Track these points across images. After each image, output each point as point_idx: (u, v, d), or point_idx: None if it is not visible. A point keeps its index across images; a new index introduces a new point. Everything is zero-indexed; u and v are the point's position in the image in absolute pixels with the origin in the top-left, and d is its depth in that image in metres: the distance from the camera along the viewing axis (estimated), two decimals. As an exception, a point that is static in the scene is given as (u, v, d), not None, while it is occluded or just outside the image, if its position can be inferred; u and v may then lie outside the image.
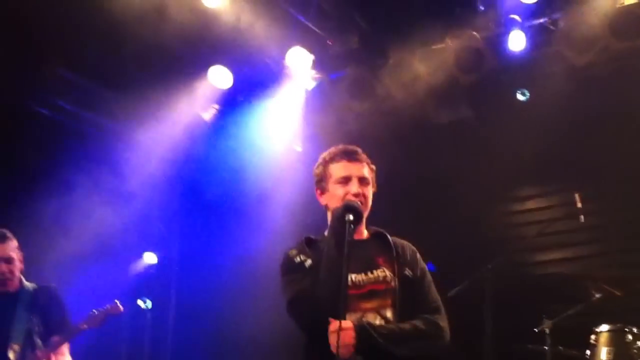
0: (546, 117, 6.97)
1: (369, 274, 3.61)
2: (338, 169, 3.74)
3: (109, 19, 6.45)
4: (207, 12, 6.94)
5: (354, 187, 3.68)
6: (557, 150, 7.39)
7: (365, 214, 3.70)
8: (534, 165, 7.54)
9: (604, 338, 5.81)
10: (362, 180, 3.73)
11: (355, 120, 7.76)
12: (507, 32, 6.93)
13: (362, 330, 3.38)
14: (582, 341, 5.94)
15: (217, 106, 8.18)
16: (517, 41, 6.89)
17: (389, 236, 3.78)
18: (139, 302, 8.66)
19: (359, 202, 3.60)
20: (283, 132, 8.12)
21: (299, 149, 8.24)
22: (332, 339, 3.28)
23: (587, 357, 5.86)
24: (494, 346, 5.69)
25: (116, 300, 5.91)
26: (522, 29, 6.88)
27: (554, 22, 6.83)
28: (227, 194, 8.46)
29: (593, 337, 5.87)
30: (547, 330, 6.15)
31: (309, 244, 3.72)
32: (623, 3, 6.51)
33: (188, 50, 7.31)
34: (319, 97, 7.94)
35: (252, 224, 8.21)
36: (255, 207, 8.22)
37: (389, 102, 7.53)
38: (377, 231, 3.83)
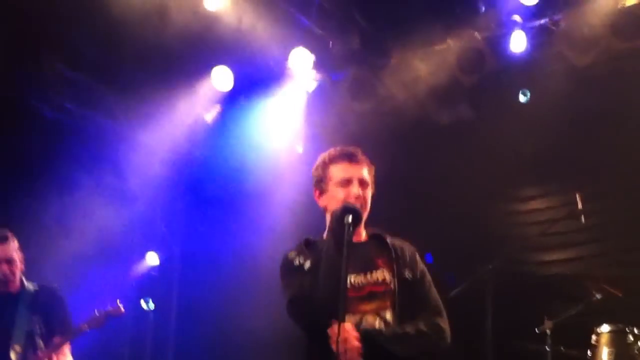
0: (547, 118, 6.98)
1: (368, 275, 3.61)
2: (338, 171, 3.73)
3: (111, 19, 6.47)
4: (208, 13, 6.95)
5: (354, 189, 3.67)
6: (558, 150, 7.39)
7: (365, 216, 3.69)
8: (534, 165, 7.54)
9: (605, 339, 5.83)
10: (362, 183, 3.73)
11: (357, 121, 7.75)
12: (508, 33, 6.94)
13: (368, 336, 3.40)
14: (583, 341, 5.96)
15: (218, 107, 8.19)
16: (518, 42, 6.89)
17: (387, 238, 3.77)
18: (142, 302, 8.67)
19: (358, 205, 3.59)
20: (284, 132, 8.13)
21: (301, 149, 8.24)
22: (339, 346, 3.28)
23: (588, 357, 5.88)
24: (495, 346, 5.68)
25: (118, 301, 5.93)
26: (523, 29, 6.89)
27: (555, 23, 6.83)
28: (229, 195, 8.48)
29: (594, 337, 5.89)
30: (548, 331, 6.15)
31: (308, 246, 3.72)
32: (624, 4, 6.51)
33: (190, 51, 7.31)
34: (320, 98, 7.95)
35: (254, 224, 8.22)
36: (256, 207, 8.23)
37: (390, 103, 7.54)
38: (375, 233, 3.81)
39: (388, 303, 3.56)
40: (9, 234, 5.79)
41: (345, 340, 3.31)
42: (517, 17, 6.89)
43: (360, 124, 7.72)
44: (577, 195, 6.26)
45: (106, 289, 7.53)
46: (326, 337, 3.32)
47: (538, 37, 6.95)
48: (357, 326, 3.48)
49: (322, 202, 3.79)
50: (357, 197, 3.66)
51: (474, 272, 6.05)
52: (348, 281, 3.40)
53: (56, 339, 5.76)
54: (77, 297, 6.60)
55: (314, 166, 3.85)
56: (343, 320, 3.23)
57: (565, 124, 7.09)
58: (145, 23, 6.61)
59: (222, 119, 8.26)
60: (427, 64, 7.24)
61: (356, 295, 3.53)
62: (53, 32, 6.97)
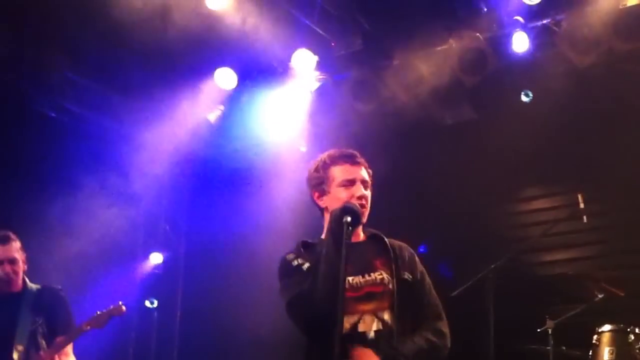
0: (549, 118, 6.98)
1: (366, 276, 3.61)
2: (341, 172, 3.73)
3: (114, 21, 6.48)
4: (212, 14, 6.97)
5: (358, 190, 3.68)
6: (560, 150, 7.40)
7: (365, 217, 3.69)
8: (536, 165, 7.55)
9: (606, 338, 5.85)
10: (364, 183, 3.74)
11: (359, 121, 7.77)
12: (510, 33, 6.94)
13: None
14: (585, 341, 5.97)
15: (222, 107, 8.21)
16: (520, 42, 6.89)
17: (385, 238, 3.77)
18: (146, 302, 8.70)
19: (359, 205, 3.59)
20: (287, 132, 8.14)
21: (304, 148, 8.26)
22: None
23: (590, 357, 5.89)
24: (497, 346, 5.69)
25: (120, 302, 5.95)
26: (525, 30, 6.88)
27: (557, 23, 6.82)
28: (233, 195, 8.50)
29: (595, 337, 5.90)
30: (550, 331, 6.16)
31: (305, 248, 3.72)
32: (626, 4, 6.51)
33: (193, 51, 7.33)
34: (323, 98, 7.97)
35: (258, 224, 8.23)
36: (260, 207, 8.24)
37: (393, 103, 7.55)
38: (374, 233, 3.82)
39: (386, 304, 3.56)
40: (12, 235, 5.80)
41: None
42: (519, 18, 6.88)
43: (363, 124, 7.74)
44: (579, 196, 6.27)
45: (111, 289, 7.56)
46: (325, 338, 3.33)
47: (540, 38, 6.95)
48: (355, 326, 3.50)
49: (323, 203, 3.78)
50: (361, 197, 3.67)
51: (476, 272, 6.06)
52: (346, 281, 3.39)
53: (58, 339, 5.76)
54: (81, 298, 6.64)
55: (312, 168, 3.84)
56: (341, 321, 3.24)
57: (567, 124, 7.10)
58: (149, 24, 6.63)
59: (225, 119, 8.27)
60: (429, 64, 7.25)
61: (354, 296, 3.52)
62: (57, 34, 7.00)
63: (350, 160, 3.77)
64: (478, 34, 6.99)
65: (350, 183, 3.70)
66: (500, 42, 7.06)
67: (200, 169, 8.79)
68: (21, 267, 5.82)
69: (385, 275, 3.62)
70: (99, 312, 5.87)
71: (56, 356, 5.72)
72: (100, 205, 7.63)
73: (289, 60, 7.58)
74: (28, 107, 7.56)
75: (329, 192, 3.76)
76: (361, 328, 3.52)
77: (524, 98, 7.26)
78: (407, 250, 3.81)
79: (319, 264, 3.44)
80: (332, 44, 7.57)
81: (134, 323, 8.68)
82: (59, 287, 6.02)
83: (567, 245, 7.61)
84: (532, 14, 6.87)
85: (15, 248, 5.78)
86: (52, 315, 5.82)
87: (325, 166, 3.79)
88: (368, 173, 3.80)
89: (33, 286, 5.90)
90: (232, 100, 8.16)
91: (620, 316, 6.00)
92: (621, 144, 7.08)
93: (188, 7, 6.86)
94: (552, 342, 6.14)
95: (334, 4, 7.26)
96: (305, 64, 7.57)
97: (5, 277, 5.73)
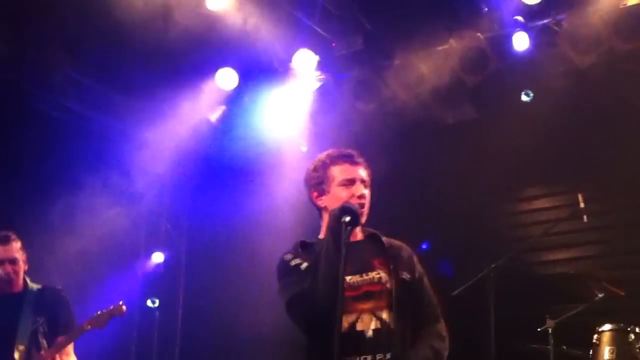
0: (550, 118, 6.98)
1: (365, 275, 3.61)
2: (341, 172, 3.74)
3: (116, 20, 6.50)
4: (213, 14, 6.99)
5: (358, 189, 3.70)
6: (561, 150, 7.41)
7: (364, 217, 3.70)
8: (537, 165, 7.56)
9: (606, 337, 5.85)
10: (364, 183, 3.75)
11: (360, 121, 7.77)
12: (511, 33, 6.94)
13: None
14: (585, 341, 5.98)
15: (223, 107, 8.22)
16: (520, 42, 6.89)
17: (382, 237, 3.78)
18: (148, 302, 8.71)
19: (359, 205, 3.60)
20: (288, 132, 8.15)
21: (305, 148, 8.27)
22: None
23: (590, 356, 5.90)
24: (497, 345, 5.70)
25: (120, 302, 5.95)
26: (526, 29, 6.89)
27: (558, 23, 6.83)
28: (234, 194, 8.51)
29: (596, 336, 5.91)
30: (550, 330, 6.17)
31: (303, 248, 3.73)
32: (626, 4, 6.52)
33: (194, 51, 7.34)
34: (324, 98, 7.98)
35: (259, 223, 8.24)
36: (261, 206, 8.26)
37: (394, 103, 7.55)
38: (371, 232, 3.82)
39: (384, 303, 3.57)
40: (12, 234, 5.81)
41: None
42: (519, 18, 6.89)
43: (364, 124, 7.74)
44: (580, 195, 6.28)
45: (112, 288, 7.58)
46: (325, 338, 3.34)
47: (540, 37, 6.95)
48: (353, 325, 3.52)
49: (322, 202, 3.79)
50: (361, 196, 3.68)
51: (476, 272, 6.07)
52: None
53: (60, 339, 5.78)
54: (83, 297, 6.65)
55: (311, 167, 3.85)
56: (340, 319, 3.25)
57: (567, 124, 7.11)
58: (150, 23, 6.64)
59: (226, 119, 8.28)
60: (430, 64, 7.25)
61: (352, 295, 3.53)
62: (59, 33, 7.01)
63: (350, 159, 3.78)
64: (479, 34, 6.99)
65: (350, 182, 3.71)
66: (500, 42, 7.07)
67: (202, 168, 8.79)
68: (22, 267, 5.84)
69: (383, 275, 3.63)
70: (99, 312, 5.87)
71: (57, 356, 5.73)
72: (102, 204, 7.64)
73: (290, 60, 7.59)
74: (30, 106, 7.57)
75: (328, 192, 3.77)
76: (359, 327, 3.53)
77: (524, 98, 7.27)
78: (405, 250, 3.81)
79: (318, 264, 3.44)
80: (333, 44, 7.59)
81: (136, 322, 8.70)
82: (60, 287, 6.04)
83: (567, 244, 7.62)
84: (532, 13, 6.88)
85: (16, 248, 5.79)
86: (53, 315, 5.83)
87: (324, 166, 3.81)
88: (367, 172, 3.81)
89: (34, 286, 5.91)
90: (234, 100, 8.17)
91: (621, 316, 6.01)
92: (621, 143, 7.08)
93: (189, 7, 6.87)
94: (552, 341, 6.14)
95: (334, 4, 7.27)
96: (306, 64, 7.58)
97: (5, 277, 5.74)
